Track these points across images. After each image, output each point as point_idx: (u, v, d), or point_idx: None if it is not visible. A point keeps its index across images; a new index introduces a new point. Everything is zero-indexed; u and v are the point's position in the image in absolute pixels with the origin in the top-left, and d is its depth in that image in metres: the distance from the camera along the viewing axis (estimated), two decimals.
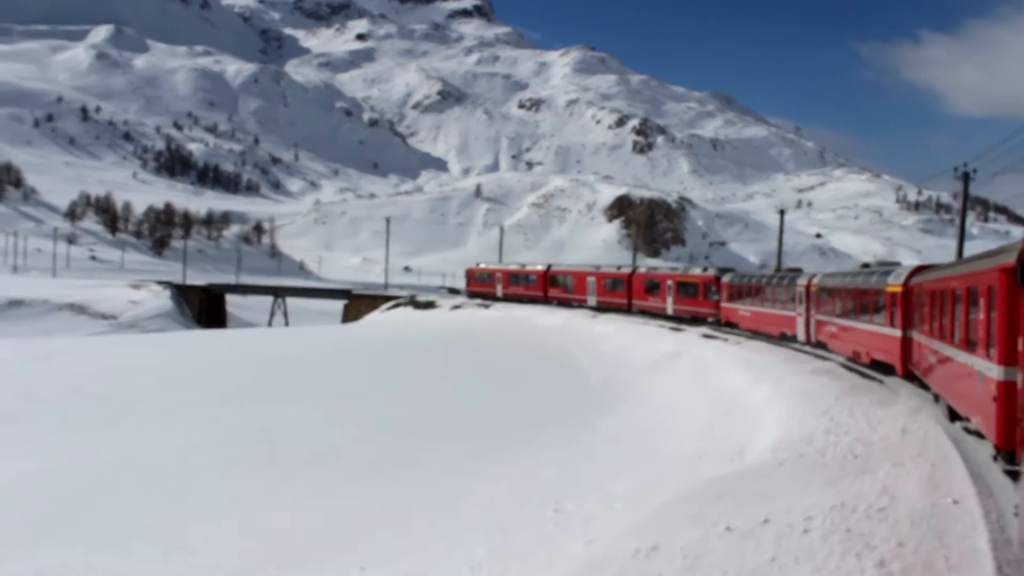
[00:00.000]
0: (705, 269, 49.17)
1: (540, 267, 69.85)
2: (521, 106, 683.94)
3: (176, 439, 25.08)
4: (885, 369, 22.85)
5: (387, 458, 23.13)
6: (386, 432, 26.64)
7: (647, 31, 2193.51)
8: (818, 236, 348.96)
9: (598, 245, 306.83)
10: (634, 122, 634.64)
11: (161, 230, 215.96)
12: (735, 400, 23.61)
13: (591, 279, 60.79)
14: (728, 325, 43.01)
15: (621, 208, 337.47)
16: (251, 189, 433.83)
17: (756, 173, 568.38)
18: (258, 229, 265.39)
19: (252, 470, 21.65)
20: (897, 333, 21.09)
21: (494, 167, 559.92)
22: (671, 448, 21.35)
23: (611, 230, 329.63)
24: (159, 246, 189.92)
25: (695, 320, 47.46)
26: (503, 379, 38.79)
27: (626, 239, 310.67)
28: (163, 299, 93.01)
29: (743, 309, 40.46)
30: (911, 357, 20.46)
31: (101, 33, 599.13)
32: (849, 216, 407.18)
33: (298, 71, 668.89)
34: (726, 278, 44.03)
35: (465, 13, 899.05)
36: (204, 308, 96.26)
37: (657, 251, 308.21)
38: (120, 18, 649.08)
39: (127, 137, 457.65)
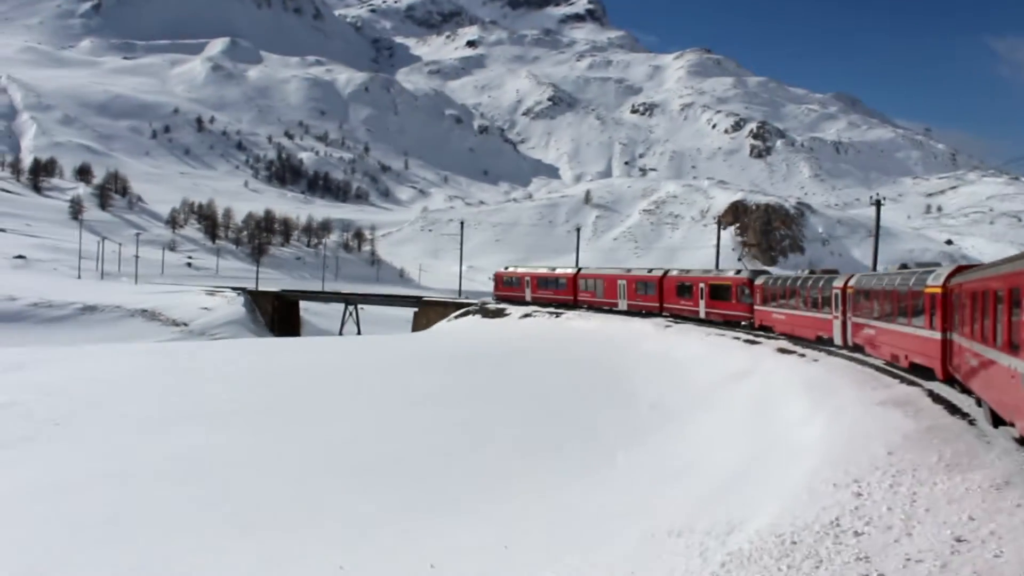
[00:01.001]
0: (738, 271, 47.46)
1: (570, 270, 67.96)
2: (634, 111, 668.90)
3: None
4: (924, 373, 22.02)
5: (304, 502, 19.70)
6: (332, 468, 23.07)
7: (766, 31, 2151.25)
8: (948, 243, 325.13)
9: (711, 252, 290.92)
10: (752, 126, 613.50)
11: (260, 237, 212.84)
12: (775, 440, 20.03)
13: (622, 282, 59.22)
14: (762, 329, 41.85)
15: (736, 214, 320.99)
16: (360, 197, 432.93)
17: (882, 177, 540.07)
18: (358, 236, 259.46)
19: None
20: (937, 336, 20.60)
21: (607, 173, 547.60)
22: (667, 511, 16.80)
23: (725, 237, 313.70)
24: (257, 253, 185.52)
25: (728, 323, 46.01)
26: (542, 399, 34.81)
27: (740, 246, 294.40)
28: (236, 306, 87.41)
29: (777, 312, 39.55)
30: (951, 360, 19.99)
31: (217, 46, 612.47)
32: (984, 221, 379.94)
33: (408, 79, 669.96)
34: (760, 280, 43.14)
35: (577, 18, 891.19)
36: (277, 315, 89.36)
37: (774, 258, 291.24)
38: (236, 31, 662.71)
39: (240, 147, 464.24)
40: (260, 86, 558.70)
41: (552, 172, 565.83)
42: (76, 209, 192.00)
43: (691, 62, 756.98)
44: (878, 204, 54.89)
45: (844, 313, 31.06)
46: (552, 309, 63.66)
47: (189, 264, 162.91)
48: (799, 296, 36.58)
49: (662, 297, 54.17)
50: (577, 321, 57.95)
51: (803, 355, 31.21)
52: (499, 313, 66.43)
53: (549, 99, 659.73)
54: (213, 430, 27.62)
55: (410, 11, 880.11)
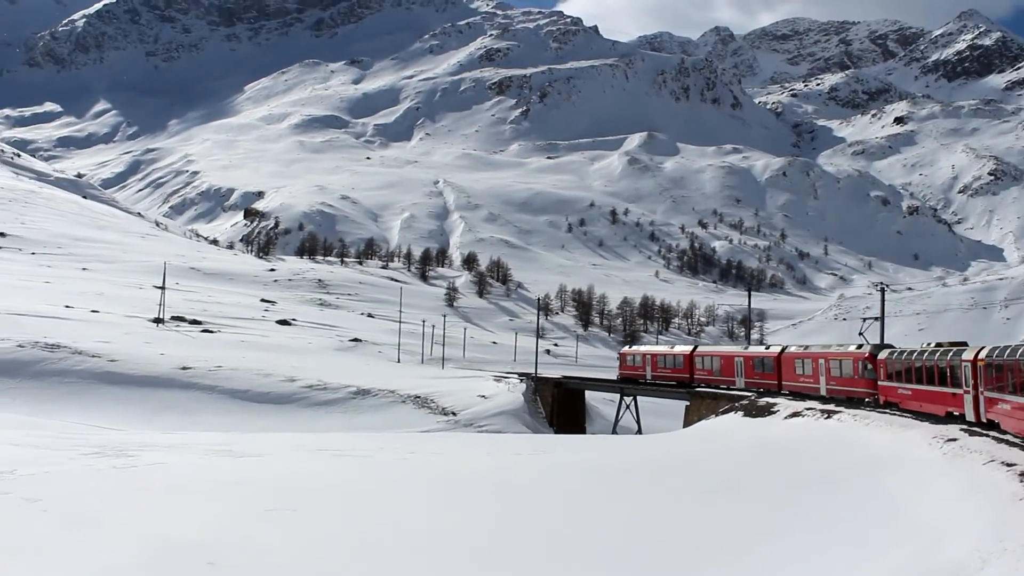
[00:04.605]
0: (860, 346, 45.10)
1: (686, 348, 68.28)
2: None
3: None
4: None
5: None
6: None
7: None
8: None
9: None
10: None
11: (634, 323, 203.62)
12: None
13: (739, 360, 58.75)
14: (887, 406, 40.39)
15: None
16: (775, 286, 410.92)
17: None
18: (744, 323, 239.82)
19: None
20: None
21: None
22: None
23: None
24: (630, 340, 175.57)
25: (850, 400, 44.11)
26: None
27: None
28: (516, 394, 75.55)
29: (903, 388, 38.28)
30: None
31: (635, 140, 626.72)
32: None
33: (830, 161, 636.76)
34: (883, 355, 41.46)
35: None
36: (556, 405, 75.92)
37: None
38: (654, 125, 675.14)
39: (652, 237, 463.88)
40: (675, 177, 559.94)
41: (994, 254, 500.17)
42: (451, 296, 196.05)
43: None
44: None
45: (975, 387, 30.39)
46: (822, 407, 47.33)
47: (548, 351, 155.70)
48: (925, 370, 35.54)
49: (780, 374, 53.14)
50: (859, 427, 38.63)
51: None
52: (764, 410, 49.32)
53: (990, 173, 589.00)
54: None
55: (833, 92, 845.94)
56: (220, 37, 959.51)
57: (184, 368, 75.53)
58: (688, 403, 62.67)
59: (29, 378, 68.40)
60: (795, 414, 46.60)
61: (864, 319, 53.71)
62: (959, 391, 32.02)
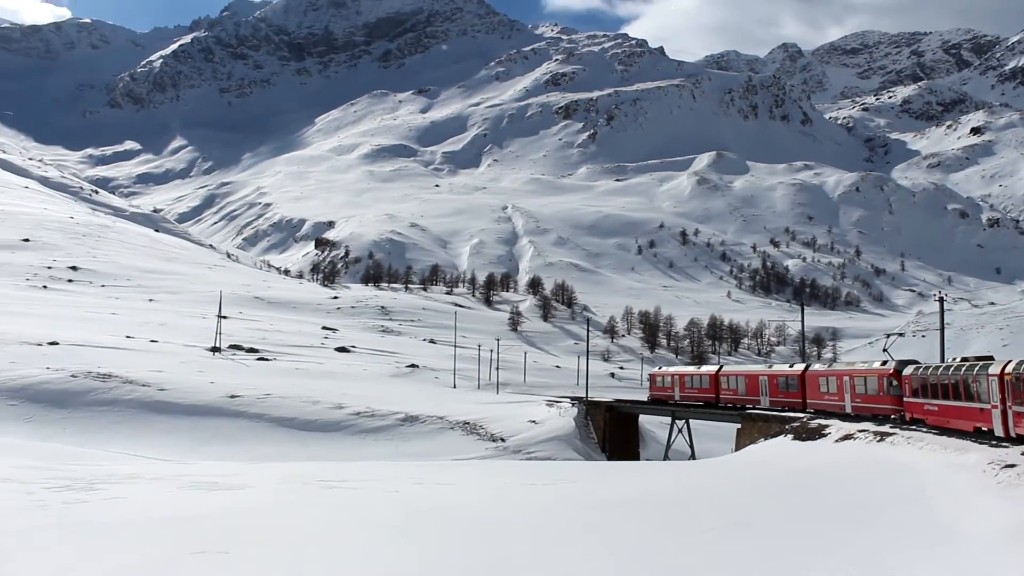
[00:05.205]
0: (885, 362, 44.93)
1: (712, 369, 68.77)
2: None
3: None
4: None
5: None
6: None
7: None
8: None
9: None
10: None
11: (702, 344, 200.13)
12: None
13: (763, 379, 58.69)
14: (913, 422, 40.09)
15: None
16: (850, 304, 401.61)
17: None
18: (817, 342, 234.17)
19: None
20: None
21: None
22: None
23: None
24: (698, 361, 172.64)
25: (875, 418, 44.02)
26: None
27: None
28: (567, 419, 73.36)
29: (929, 404, 37.95)
30: None
31: (704, 160, 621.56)
32: None
33: (905, 175, 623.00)
34: (908, 371, 40.92)
35: None
36: (608, 429, 73.67)
37: None
38: (723, 144, 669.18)
39: (724, 257, 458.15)
40: (745, 195, 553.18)
41: None
42: (515, 321, 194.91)
43: None
44: None
45: (1003, 402, 30.42)
46: (875, 429, 44.01)
47: (612, 375, 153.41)
48: (951, 385, 35.37)
49: (804, 393, 53.04)
50: (911, 451, 35.55)
51: None
52: (815, 433, 46.52)
53: None
54: None
55: (906, 105, 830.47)
56: (291, 72, 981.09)
57: (232, 396, 75.09)
58: (740, 425, 60.49)
59: (80, 408, 68.67)
60: (847, 437, 43.75)
61: (895, 336, 52.27)
62: (986, 406, 32.02)
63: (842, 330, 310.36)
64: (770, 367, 62.92)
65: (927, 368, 39.34)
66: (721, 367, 69.18)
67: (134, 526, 20.20)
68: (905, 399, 41.62)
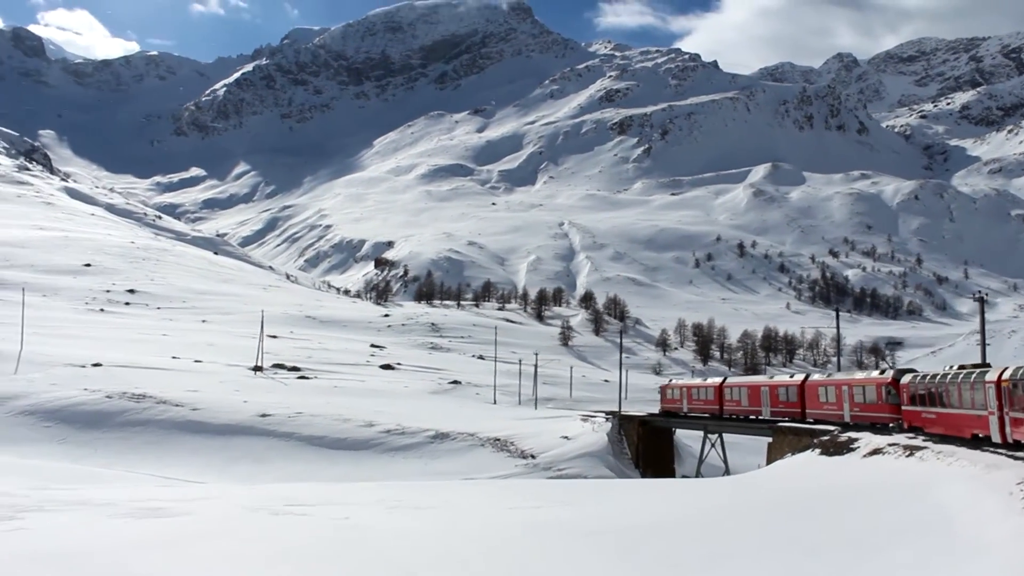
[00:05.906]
0: (883, 371, 46.74)
1: (716, 380, 69.14)
2: None
3: None
4: None
5: None
6: None
7: None
8: None
9: None
10: None
11: (755, 356, 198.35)
12: None
13: (764, 389, 59.23)
14: (911, 430, 40.50)
15: None
16: (912, 313, 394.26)
17: None
18: (875, 352, 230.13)
19: None
20: None
21: None
22: None
23: None
24: (752, 373, 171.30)
25: (874, 426, 44.19)
26: None
27: None
28: (600, 434, 71.70)
29: (927, 412, 38.28)
30: None
31: (759, 172, 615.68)
32: None
33: (965, 182, 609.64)
34: (905, 379, 41.50)
35: None
36: (642, 444, 72.77)
37: None
38: (778, 156, 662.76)
39: (782, 269, 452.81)
40: (802, 206, 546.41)
41: None
42: (566, 335, 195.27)
43: None
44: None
45: (1000, 408, 30.50)
46: (906, 443, 40.50)
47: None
48: (948, 393, 35.47)
49: (804, 403, 53.40)
50: (939, 467, 32.44)
51: None
52: (844, 447, 43.70)
53: None
54: None
55: (965, 111, 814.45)
56: (349, 96, 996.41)
57: (263, 415, 75.55)
58: (771, 439, 59.14)
59: (112, 428, 69.51)
60: (876, 451, 40.74)
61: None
62: (984, 413, 32.15)
63: (905, 339, 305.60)
64: (771, 377, 64.38)
65: (924, 376, 39.74)
66: (725, 379, 69.42)
67: (22, 563, 17.73)
68: (903, 407, 41.76)
